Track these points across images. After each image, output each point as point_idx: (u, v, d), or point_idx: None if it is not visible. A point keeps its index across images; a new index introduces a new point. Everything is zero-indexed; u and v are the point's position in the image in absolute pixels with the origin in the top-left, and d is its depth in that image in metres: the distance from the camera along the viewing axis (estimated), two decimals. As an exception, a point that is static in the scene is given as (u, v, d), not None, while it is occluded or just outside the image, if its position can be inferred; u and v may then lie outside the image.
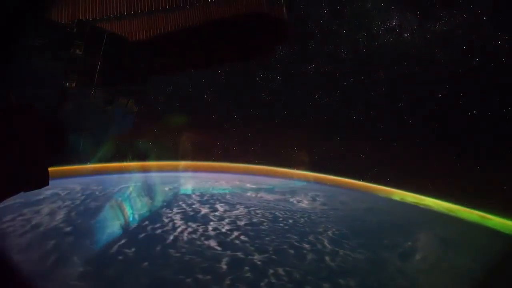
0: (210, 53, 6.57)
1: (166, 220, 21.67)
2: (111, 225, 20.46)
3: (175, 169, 34.99)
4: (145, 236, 18.79)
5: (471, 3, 26.31)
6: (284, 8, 6.29)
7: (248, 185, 34.63)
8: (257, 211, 25.38)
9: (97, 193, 27.31)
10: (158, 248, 17.09)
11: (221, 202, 27.41)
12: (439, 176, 31.10)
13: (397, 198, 32.67)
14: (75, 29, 4.33)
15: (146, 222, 21.01)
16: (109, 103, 5.85)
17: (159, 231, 19.80)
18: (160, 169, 34.13)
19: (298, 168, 36.85)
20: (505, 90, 27.39)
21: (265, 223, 22.43)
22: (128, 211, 23.49)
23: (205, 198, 28.54)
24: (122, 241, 17.52)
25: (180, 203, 26.17)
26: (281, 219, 23.86)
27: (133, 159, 32.11)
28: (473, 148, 29.73)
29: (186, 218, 22.51)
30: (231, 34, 6.31)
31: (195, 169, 36.01)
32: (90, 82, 4.94)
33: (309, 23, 31.08)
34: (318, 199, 30.93)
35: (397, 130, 33.58)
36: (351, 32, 31.23)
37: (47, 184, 3.02)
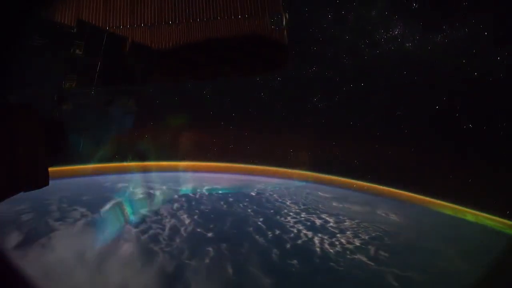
0: (207, 68, 6.64)
1: (292, 229, 21.87)
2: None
3: (175, 169, 35.00)
4: (293, 247, 18.93)
5: (473, 17, 26.66)
6: (285, 32, 6.41)
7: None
8: (363, 224, 24.88)
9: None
10: (318, 260, 17.48)
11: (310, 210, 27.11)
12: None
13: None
14: (75, 29, 4.33)
15: (277, 232, 21.07)
16: (109, 103, 5.85)
17: (299, 241, 19.96)
18: (160, 169, 34.14)
19: (295, 168, 36.89)
20: (502, 106, 27.97)
21: (385, 238, 21.95)
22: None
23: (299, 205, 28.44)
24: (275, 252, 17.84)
25: (285, 211, 26.04)
26: (393, 233, 22.98)
27: (133, 159, 32.13)
28: (466, 161, 30.40)
29: (310, 227, 22.57)
30: (230, 53, 6.43)
31: (194, 169, 36.04)
32: (90, 82, 4.94)
33: (312, 27, 31.19)
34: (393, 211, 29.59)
35: (393, 138, 33.97)
36: (353, 39, 31.47)
37: (47, 184, 3.02)
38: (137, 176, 31.68)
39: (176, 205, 25.50)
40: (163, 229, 20.41)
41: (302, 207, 27.76)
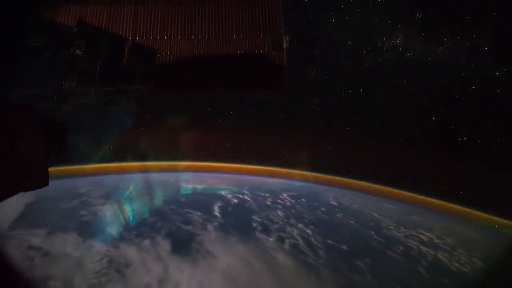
0: (203, 82, 6.76)
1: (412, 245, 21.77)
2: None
3: (175, 169, 34.99)
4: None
5: (474, 31, 26.92)
6: (285, 55, 6.50)
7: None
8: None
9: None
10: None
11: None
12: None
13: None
14: (75, 29, 4.33)
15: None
16: (109, 103, 5.85)
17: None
18: (160, 169, 34.15)
19: (292, 168, 37.01)
20: (498, 121, 28.38)
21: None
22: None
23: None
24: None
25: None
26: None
27: (133, 159, 32.14)
28: (460, 172, 30.54)
29: (424, 243, 22.42)
30: (228, 69, 6.55)
31: (193, 169, 36.07)
32: (90, 82, 4.94)
33: (315, 30, 31.27)
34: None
35: (388, 145, 34.25)
36: (355, 44, 31.63)
37: (47, 184, 3.02)
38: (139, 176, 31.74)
39: (280, 213, 25.10)
40: (296, 239, 20.30)
41: (392, 220, 26.86)
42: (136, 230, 19.64)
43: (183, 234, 19.72)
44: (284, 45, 6.48)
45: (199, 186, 32.10)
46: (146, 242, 18.16)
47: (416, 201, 33.44)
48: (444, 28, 28.29)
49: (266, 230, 21.52)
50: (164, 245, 18.00)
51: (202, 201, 26.47)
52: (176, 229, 20.27)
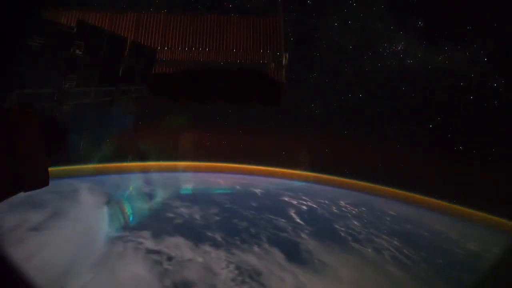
0: (203, 91, 6.89)
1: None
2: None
3: (175, 169, 34.98)
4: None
5: (474, 42, 27.13)
6: (284, 72, 6.59)
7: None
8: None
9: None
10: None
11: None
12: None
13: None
14: (75, 29, 4.33)
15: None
16: (109, 103, 5.85)
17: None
18: (160, 169, 34.13)
19: (291, 169, 37.17)
20: (494, 132, 28.58)
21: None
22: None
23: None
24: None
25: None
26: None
27: (134, 159, 32.10)
28: (453, 182, 31.04)
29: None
30: (228, 82, 6.67)
31: (193, 169, 36.09)
32: (90, 82, 4.94)
33: (318, 33, 31.32)
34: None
35: (384, 151, 34.44)
36: (356, 49, 31.74)
37: (47, 184, 3.02)
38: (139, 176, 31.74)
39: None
40: (392, 251, 20.44)
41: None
42: (237, 236, 20.12)
43: (285, 241, 20.17)
44: (284, 62, 6.60)
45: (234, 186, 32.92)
46: (257, 249, 18.55)
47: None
48: (444, 37, 28.62)
49: (357, 240, 21.89)
50: (275, 252, 18.35)
51: (274, 207, 27.24)
52: (275, 236, 20.77)
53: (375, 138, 34.46)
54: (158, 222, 21.12)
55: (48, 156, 3.05)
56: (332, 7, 30.12)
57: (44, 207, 21.04)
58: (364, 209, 29.82)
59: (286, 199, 30.24)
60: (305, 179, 36.74)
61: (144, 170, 33.24)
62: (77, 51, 4.35)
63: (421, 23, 28.27)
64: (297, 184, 35.53)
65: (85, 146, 5.22)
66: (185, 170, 35.30)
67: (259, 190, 32.20)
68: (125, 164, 32.48)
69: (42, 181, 2.94)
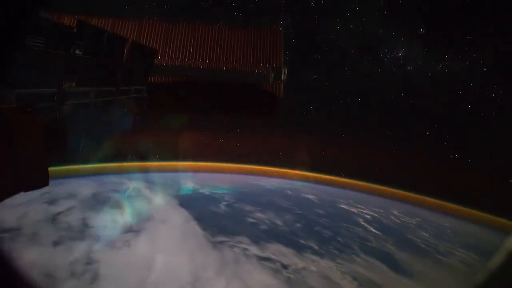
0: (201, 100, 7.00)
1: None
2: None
3: (175, 169, 34.96)
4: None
5: (475, 51, 27.30)
6: (282, 85, 6.65)
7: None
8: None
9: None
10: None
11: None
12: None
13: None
14: (75, 29, 4.33)
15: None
16: (109, 103, 5.85)
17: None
18: (160, 169, 34.10)
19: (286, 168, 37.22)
20: (490, 142, 28.84)
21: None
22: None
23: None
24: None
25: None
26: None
27: (134, 159, 32.08)
28: (447, 190, 31.62)
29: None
30: (228, 95, 6.75)
31: (193, 169, 36.09)
32: (90, 82, 4.94)
33: (319, 35, 31.31)
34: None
35: (381, 157, 34.60)
36: (358, 53, 31.77)
37: (47, 184, 3.02)
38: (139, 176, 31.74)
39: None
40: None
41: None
42: (329, 244, 20.37)
43: (378, 252, 20.32)
44: (282, 76, 6.66)
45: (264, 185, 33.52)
46: (357, 259, 18.68)
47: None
48: (445, 45, 28.77)
49: (441, 253, 22.06)
50: (376, 263, 18.45)
51: (341, 215, 27.59)
52: (365, 246, 21.01)
53: (372, 142, 34.66)
54: (245, 227, 21.79)
55: (48, 156, 3.05)
56: (335, 10, 30.20)
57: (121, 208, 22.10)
58: (419, 219, 29.80)
59: (345, 207, 30.38)
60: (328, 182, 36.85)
61: (171, 170, 33.29)
62: (77, 51, 4.35)
63: (422, 30, 28.41)
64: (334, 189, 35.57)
65: (85, 146, 5.22)
66: (218, 171, 35.74)
67: (312, 196, 32.39)
68: (126, 163, 32.44)
69: (42, 181, 2.94)
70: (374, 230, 24.51)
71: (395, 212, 30.84)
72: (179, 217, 22.28)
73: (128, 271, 14.86)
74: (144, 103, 6.91)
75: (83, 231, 18.95)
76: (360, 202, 32.38)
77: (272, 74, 6.67)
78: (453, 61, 28.49)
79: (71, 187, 27.04)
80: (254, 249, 18.34)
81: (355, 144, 35.53)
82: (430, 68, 29.83)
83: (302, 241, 20.26)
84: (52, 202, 23.06)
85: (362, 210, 29.90)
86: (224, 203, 26.95)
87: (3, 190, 2.56)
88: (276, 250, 18.48)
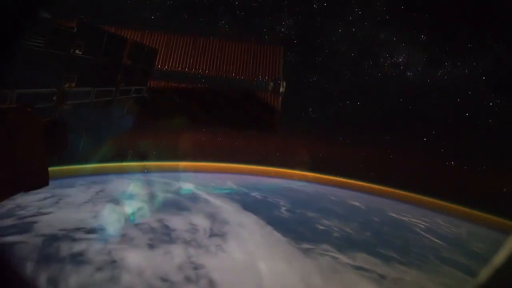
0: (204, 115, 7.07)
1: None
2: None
3: (175, 169, 34.93)
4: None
5: (474, 60, 27.49)
6: (280, 98, 6.71)
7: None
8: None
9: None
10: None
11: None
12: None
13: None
14: (75, 29, 4.33)
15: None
16: (109, 103, 5.85)
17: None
18: (160, 169, 34.08)
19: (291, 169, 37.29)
20: (485, 150, 29.21)
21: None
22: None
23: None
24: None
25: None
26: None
27: (133, 159, 32.03)
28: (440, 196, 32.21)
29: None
30: (227, 108, 6.82)
31: (193, 169, 36.08)
32: (90, 82, 4.94)
33: (321, 37, 31.31)
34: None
35: (378, 161, 34.85)
36: (358, 57, 31.80)
37: (47, 184, 3.02)
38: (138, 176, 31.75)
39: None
40: None
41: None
42: (408, 255, 20.59)
43: (456, 263, 20.40)
44: (281, 90, 6.72)
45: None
46: (443, 270, 18.91)
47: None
48: (445, 53, 28.89)
49: None
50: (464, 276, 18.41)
51: (399, 225, 27.75)
52: (441, 257, 21.17)
53: (369, 146, 34.72)
54: (320, 234, 22.23)
55: (48, 156, 3.05)
56: (338, 13, 30.22)
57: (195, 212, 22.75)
58: (464, 229, 29.76)
59: (394, 215, 30.47)
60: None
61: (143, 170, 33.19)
62: (77, 51, 4.35)
63: (424, 37, 28.45)
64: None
65: (85, 146, 5.22)
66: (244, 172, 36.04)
67: (357, 203, 32.52)
68: (125, 163, 32.40)
69: (42, 181, 2.93)
70: (437, 240, 24.68)
71: (441, 222, 30.68)
72: (253, 222, 22.80)
73: (239, 277, 15.07)
74: (147, 105, 6.94)
75: (168, 233, 19.46)
76: (402, 210, 32.33)
77: (271, 86, 6.74)
78: (453, 69, 28.82)
79: (119, 184, 27.98)
80: (343, 258, 18.61)
81: (344, 146, 35.62)
82: (429, 74, 30.21)
83: (381, 251, 20.45)
84: (114, 201, 23.96)
85: (412, 219, 29.80)
86: (283, 208, 27.36)
87: (3, 190, 2.56)
88: (363, 259, 18.68)
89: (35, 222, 19.47)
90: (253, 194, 30.63)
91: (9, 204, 21.36)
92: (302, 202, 29.85)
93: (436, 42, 28.47)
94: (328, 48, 31.85)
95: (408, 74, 30.63)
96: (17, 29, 3.08)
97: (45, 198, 23.30)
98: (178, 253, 17.02)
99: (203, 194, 28.49)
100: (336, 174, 37.58)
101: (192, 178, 32.70)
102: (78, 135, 5.10)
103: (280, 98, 6.78)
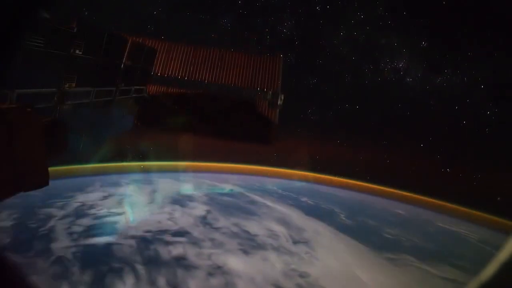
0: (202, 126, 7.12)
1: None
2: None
3: (175, 169, 34.94)
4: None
5: (474, 68, 27.55)
6: (277, 111, 6.76)
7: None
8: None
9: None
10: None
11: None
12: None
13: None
14: (75, 29, 4.33)
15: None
16: (109, 103, 5.85)
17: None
18: (160, 169, 34.08)
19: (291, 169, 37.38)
20: (481, 157, 29.22)
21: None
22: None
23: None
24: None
25: None
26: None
27: (133, 159, 32.03)
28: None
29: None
30: (224, 117, 6.88)
31: (193, 169, 36.09)
32: (90, 82, 4.94)
33: (322, 40, 31.28)
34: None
35: (374, 167, 34.88)
36: (359, 61, 31.84)
37: (47, 184, 3.02)
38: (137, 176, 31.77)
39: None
40: None
41: None
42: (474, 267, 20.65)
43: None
44: (279, 102, 6.78)
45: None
46: None
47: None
48: (446, 60, 28.93)
49: None
50: None
51: (452, 234, 27.47)
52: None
53: (363, 153, 34.81)
54: (391, 243, 22.06)
55: (48, 156, 3.05)
56: (340, 16, 30.23)
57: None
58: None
59: (441, 224, 30.06)
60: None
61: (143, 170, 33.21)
62: (77, 51, 4.35)
63: (425, 43, 28.52)
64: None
65: (85, 146, 5.22)
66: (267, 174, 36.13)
67: (401, 211, 32.15)
68: (125, 164, 32.40)
69: (42, 181, 2.93)
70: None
71: (473, 237, 29.76)
72: (325, 229, 22.94)
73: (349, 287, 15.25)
74: (147, 105, 6.96)
75: (251, 239, 19.56)
76: (441, 219, 31.76)
77: (269, 98, 6.81)
78: (452, 76, 28.80)
79: (167, 184, 28.19)
80: (431, 269, 18.45)
81: (337, 146, 35.72)
82: (429, 81, 30.15)
83: (458, 262, 19.99)
84: (178, 202, 24.35)
85: (461, 230, 29.17)
86: (342, 215, 27.35)
87: (3, 190, 2.56)
88: (449, 271, 18.41)
89: (115, 222, 19.77)
90: (303, 199, 30.62)
91: (73, 203, 21.89)
92: (353, 209, 29.88)
93: (437, 49, 28.57)
94: (329, 51, 31.88)
95: (408, 79, 30.67)
96: (17, 29, 3.08)
97: (105, 197, 23.74)
98: (274, 259, 17.17)
99: (257, 197, 28.82)
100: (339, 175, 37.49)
101: (227, 179, 32.89)
102: (78, 135, 5.11)
103: (278, 110, 6.84)
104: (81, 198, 23.08)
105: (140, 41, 6.88)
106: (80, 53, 4.41)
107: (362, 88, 32.91)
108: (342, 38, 30.78)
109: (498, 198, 27.45)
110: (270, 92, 6.80)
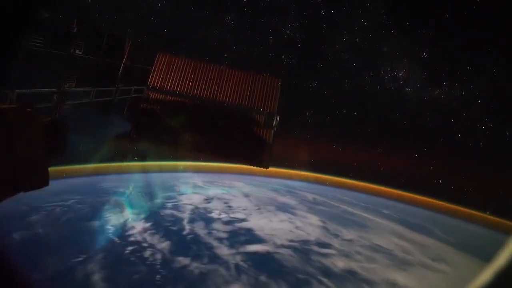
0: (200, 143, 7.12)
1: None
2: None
3: (175, 169, 34.93)
4: None
5: (471, 83, 27.80)
6: (273, 131, 6.78)
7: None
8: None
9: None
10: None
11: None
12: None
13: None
14: (75, 29, 4.33)
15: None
16: (109, 103, 5.85)
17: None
18: (160, 169, 34.07)
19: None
20: (475, 170, 30.06)
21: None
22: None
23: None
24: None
25: None
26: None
27: (133, 159, 31.98)
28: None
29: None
30: (219, 136, 6.88)
31: (193, 169, 36.09)
32: (90, 82, 4.94)
33: (325, 44, 31.29)
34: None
35: (369, 172, 35.35)
36: (359, 68, 31.94)
37: (47, 184, 3.01)
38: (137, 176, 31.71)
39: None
40: None
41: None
42: None
43: None
44: (274, 123, 6.80)
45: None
46: None
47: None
48: (444, 73, 29.26)
49: None
50: None
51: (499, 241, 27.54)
52: None
53: (359, 159, 34.94)
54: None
55: (48, 156, 3.05)
56: (343, 22, 30.26)
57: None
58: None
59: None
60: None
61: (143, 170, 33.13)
62: (77, 51, 4.35)
63: (425, 55, 28.66)
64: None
65: (85, 146, 5.21)
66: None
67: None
68: (125, 164, 32.38)
69: (42, 181, 2.93)
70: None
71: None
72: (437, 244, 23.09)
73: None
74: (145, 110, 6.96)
75: (389, 253, 19.48)
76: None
77: (265, 119, 6.85)
78: (450, 89, 29.03)
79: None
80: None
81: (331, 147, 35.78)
82: (427, 92, 30.36)
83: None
84: (281, 209, 24.83)
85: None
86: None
87: (3, 190, 2.56)
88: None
89: (251, 230, 19.88)
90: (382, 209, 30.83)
91: (187, 206, 22.03)
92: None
93: (437, 61, 28.75)
94: (330, 56, 31.87)
95: (407, 89, 30.86)
96: (17, 29, 3.08)
97: (207, 201, 24.25)
98: (431, 276, 17.15)
99: (349, 209, 28.95)
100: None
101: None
102: (78, 135, 5.10)
103: (273, 131, 6.87)
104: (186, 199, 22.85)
105: (140, 43, 6.89)
106: (80, 53, 4.40)
107: (361, 95, 33.15)
108: (345, 44, 30.87)
109: (487, 212, 27.74)
110: (266, 113, 6.87)
